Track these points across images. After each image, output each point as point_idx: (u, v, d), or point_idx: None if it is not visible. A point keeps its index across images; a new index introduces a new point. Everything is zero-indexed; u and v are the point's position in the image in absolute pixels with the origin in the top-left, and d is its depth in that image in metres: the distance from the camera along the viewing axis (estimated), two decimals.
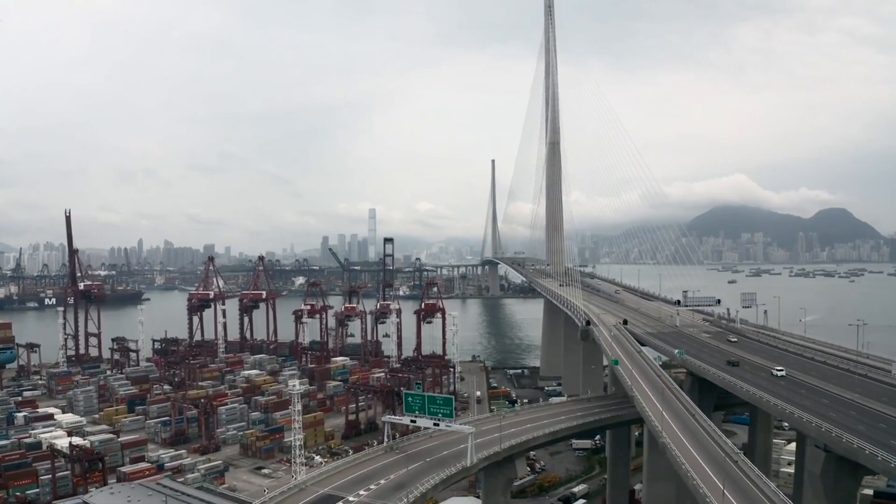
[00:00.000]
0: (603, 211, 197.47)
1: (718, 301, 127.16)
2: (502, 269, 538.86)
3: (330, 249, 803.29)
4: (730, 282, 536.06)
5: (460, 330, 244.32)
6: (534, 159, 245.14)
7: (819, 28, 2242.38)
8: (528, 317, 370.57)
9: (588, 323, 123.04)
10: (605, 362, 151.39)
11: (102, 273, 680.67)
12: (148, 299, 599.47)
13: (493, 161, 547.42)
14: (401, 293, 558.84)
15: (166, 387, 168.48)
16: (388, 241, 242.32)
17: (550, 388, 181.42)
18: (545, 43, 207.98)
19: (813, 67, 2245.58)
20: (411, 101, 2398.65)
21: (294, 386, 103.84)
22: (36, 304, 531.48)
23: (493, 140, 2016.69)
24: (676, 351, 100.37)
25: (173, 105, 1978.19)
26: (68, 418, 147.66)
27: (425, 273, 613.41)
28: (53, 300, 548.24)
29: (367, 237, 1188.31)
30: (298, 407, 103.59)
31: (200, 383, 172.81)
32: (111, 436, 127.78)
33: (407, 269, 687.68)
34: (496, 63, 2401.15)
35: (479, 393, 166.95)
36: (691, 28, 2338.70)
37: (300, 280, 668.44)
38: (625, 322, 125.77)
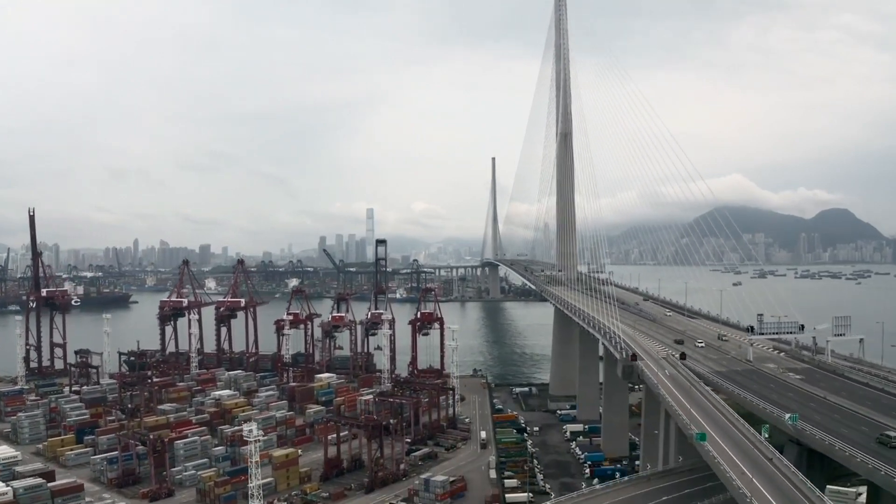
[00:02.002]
0: (603, 210, 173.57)
1: (802, 327, 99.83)
2: (503, 270, 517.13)
3: (325, 251, 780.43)
4: (734, 284, 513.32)
5: (459, 337, 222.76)
6: (539, 156, 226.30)
7: (817, 25, 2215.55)
8: (531, 322, 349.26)
9: (633, 357, 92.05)
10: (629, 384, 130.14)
11: (89, 275, 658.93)
12: (135, 302, 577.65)
13: (493, 159, 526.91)
14: (397, 296, 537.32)
15: (120, 412, 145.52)
16: (380, 243, 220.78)
17: (564, 413, 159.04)
18: (556, 22, 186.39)
19: (811, 66, 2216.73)
20: (405, 100, 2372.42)
21: (251, 432, 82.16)
22: (18, 308, 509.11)
23: (491, 139, 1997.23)
24: (787, 416, 69.19)
25: (164, 104, 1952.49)
26: (1, 452, 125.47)
27: (423, 275, 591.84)
28: (35, 304, 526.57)
29: (364, 237, 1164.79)
30: (256, 457, 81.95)
31: (162, 407, 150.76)
32: (40, 481, 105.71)
33: (404, 271, 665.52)
34: (492, 61, 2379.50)
35: (483, 434, 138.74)
36: (689, 26, 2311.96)
37: (293, 282, 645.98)
38: (682, 356, 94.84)
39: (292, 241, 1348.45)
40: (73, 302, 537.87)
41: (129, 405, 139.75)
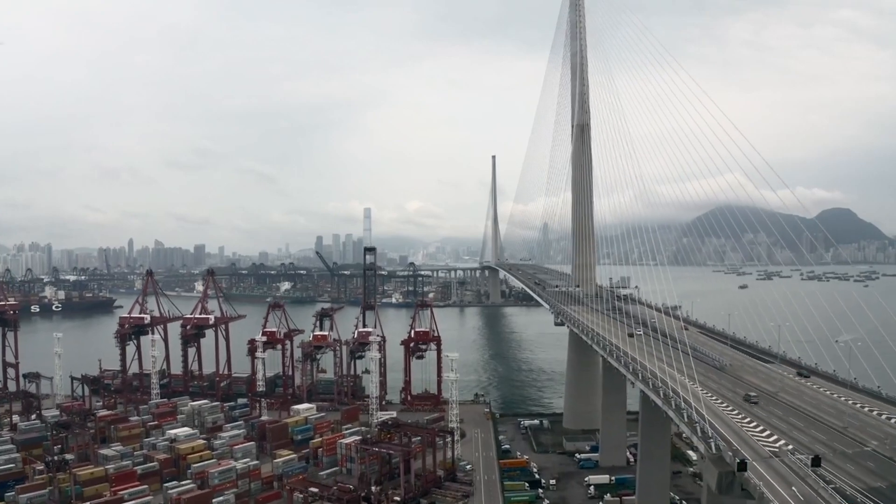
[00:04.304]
0: (603, 210, 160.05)
1: None
2: (503, 272, 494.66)
3: (317, 253, 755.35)
4: (741, 287, 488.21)
5: (458, 350, 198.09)
6: (544, 153, 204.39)
7: (815, 21, 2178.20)
8: (536, 332, 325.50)
9: (743, 465, 57.17)
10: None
11: (72, 278, 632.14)
12: (120, 307, 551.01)
13: (493, 157, 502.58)
14: (393, 301, 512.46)
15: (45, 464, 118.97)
16: (369, 251, 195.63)
17: (584, 457, 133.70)
18: None
19: (809, 64, 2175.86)
20: (398, 98, 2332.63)
21: None
22: None
23: (488, 138, 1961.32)
24: None
25: (154, 101, 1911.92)
26: None
27: (420, 278, 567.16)
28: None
29: (361, 237, 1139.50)
30: None
31: (105, 451, 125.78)
32: None
33: (401, 272, 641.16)
34: (489, 59, 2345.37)
35: None
36: (684, 23, 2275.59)
37: (286, 286, 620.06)
38: (816, 461, 58.26)
39: (289, 240, 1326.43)
40: (53, 307, 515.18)
41: (55, 455, 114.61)
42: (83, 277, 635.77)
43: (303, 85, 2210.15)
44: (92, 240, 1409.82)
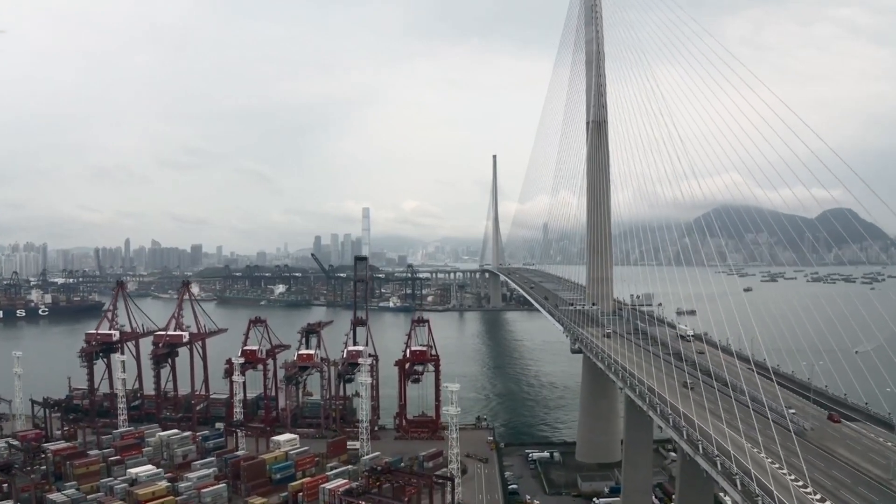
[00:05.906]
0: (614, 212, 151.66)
1: None
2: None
3: (312, 255, 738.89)
4: (745, 289, 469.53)
5: (457, 362, 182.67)
6: (552, 153, 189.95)
7: (814, 19, 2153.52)
8: (539, 339, 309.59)
9: None
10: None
11: (60, 280, 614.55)
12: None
13: (494, 157, 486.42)
14: (391, 305, 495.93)
15: None
16: (360, 260, 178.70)
17: (603, 502, 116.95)
18: None
19: (808, 63, 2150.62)
20: (396, 98, 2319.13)
21: None
22: None
23: (486, 138, 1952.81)
24: None
25: (152, 101, 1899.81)
26: None
27: (418, 280, 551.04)
28: (0, 313, 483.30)
29: (360, 237, 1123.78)
30: None
31: (54, 497, 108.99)
32: None
33: (399, 273, 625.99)
34: (486, 58, 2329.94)
35: None
36: (681, 20, 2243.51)
37: (280, 288, 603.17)
38: None
39: (287, 240, 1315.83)
40: (40, 311, 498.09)
41: None
42: (72, 280, 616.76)
43: (302, 85, 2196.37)
44: (90, 239, 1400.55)
